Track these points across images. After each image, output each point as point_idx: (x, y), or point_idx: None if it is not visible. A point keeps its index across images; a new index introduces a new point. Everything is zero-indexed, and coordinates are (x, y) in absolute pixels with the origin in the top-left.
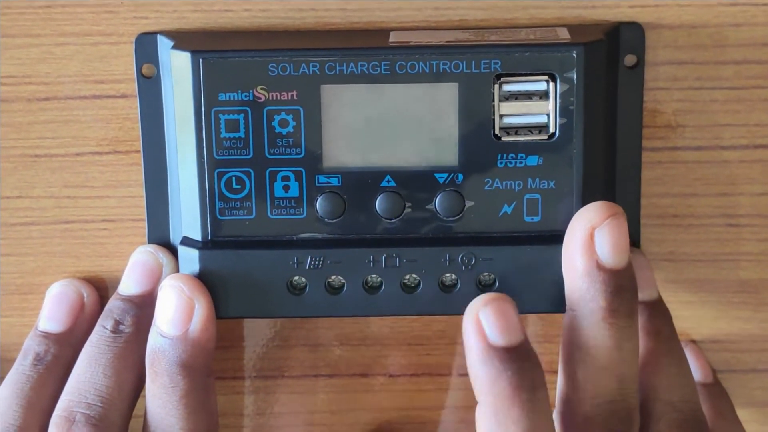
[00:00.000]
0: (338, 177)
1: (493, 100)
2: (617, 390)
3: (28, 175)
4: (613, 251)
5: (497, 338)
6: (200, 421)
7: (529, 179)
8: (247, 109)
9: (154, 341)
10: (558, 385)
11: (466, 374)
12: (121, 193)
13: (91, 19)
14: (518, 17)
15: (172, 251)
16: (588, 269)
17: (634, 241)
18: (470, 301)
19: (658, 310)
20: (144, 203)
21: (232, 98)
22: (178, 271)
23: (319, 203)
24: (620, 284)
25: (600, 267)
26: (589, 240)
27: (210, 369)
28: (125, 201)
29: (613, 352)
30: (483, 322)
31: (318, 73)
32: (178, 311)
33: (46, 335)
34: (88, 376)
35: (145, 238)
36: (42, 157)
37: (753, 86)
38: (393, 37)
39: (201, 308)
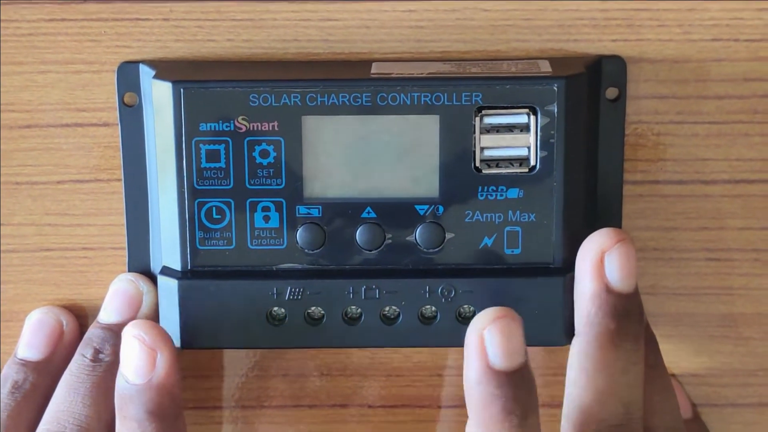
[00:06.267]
0: (319, 208)
1: (474, 133)
2: (623, 414)
3: (9, 202)
4: (622, 275)
5: (498, 361)
6: None
7: (510, 212)
8: (228, 139)
9: (121, 386)
10: (564, 409)
11: (445, 406)
12: (102, 221)
13: (73, 47)
14: (500, 50)
15: (153, 279)
16: (597, 292)
17: None
18: (450, 333)
19: (645, 335)
20: (125, 231)
21: (213, 128)
22: (157, 299)
23: (300, 234)
24: (628, 308)
25: (609, 290)
26: (599, 263)
27: (179, 409)
28: (106, 229)
29: (619, 376)
30: (486, 340)
31: (299, 104)
32: (140, 360)
33: (25, 363)
34: (66, 404)
35: (126, 267)
36: (23, 184)
37: (734, 121)
38: (375, 69)
39: (163, 357)
